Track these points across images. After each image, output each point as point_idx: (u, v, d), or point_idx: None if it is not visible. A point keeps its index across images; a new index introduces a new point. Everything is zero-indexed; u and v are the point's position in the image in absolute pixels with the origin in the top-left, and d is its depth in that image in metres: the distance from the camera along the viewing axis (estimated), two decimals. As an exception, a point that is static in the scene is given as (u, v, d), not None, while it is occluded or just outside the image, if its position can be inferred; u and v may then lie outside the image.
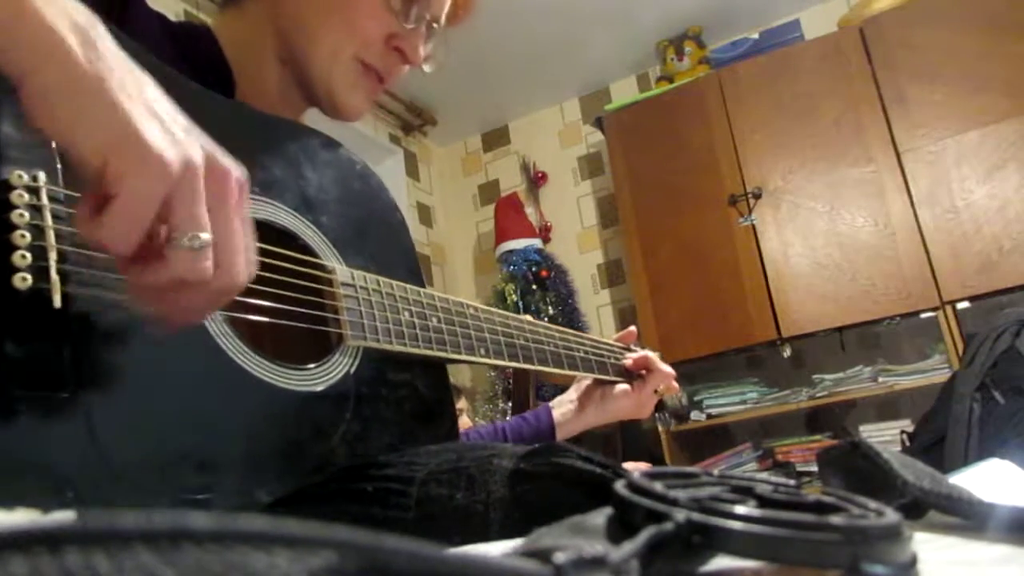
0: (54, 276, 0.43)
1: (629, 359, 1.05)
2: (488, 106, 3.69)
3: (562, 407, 1.05)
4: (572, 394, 1.07)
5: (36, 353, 0.42)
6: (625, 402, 1.03)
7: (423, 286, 0.74)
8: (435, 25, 0.77)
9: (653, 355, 1.06)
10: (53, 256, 0.43)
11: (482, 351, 0.76)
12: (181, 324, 0.46)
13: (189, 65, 0.66)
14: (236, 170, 0.44)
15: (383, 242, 0.74)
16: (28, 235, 0.42)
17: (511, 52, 3.24)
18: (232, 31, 0.76)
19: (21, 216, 0.42)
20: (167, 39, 0.71)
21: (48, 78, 0.38)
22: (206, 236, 0.41)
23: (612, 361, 1.02)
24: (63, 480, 0.42)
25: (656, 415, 1.13)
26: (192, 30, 0.76)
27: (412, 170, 3.68)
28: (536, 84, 3.54)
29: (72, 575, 0.13)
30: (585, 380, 1.05)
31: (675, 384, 1.09)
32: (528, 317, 0.97)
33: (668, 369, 1.07)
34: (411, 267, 0.76)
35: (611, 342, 1.05)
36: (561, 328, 0.93)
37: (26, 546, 0.13)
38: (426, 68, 0.80)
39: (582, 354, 0.95)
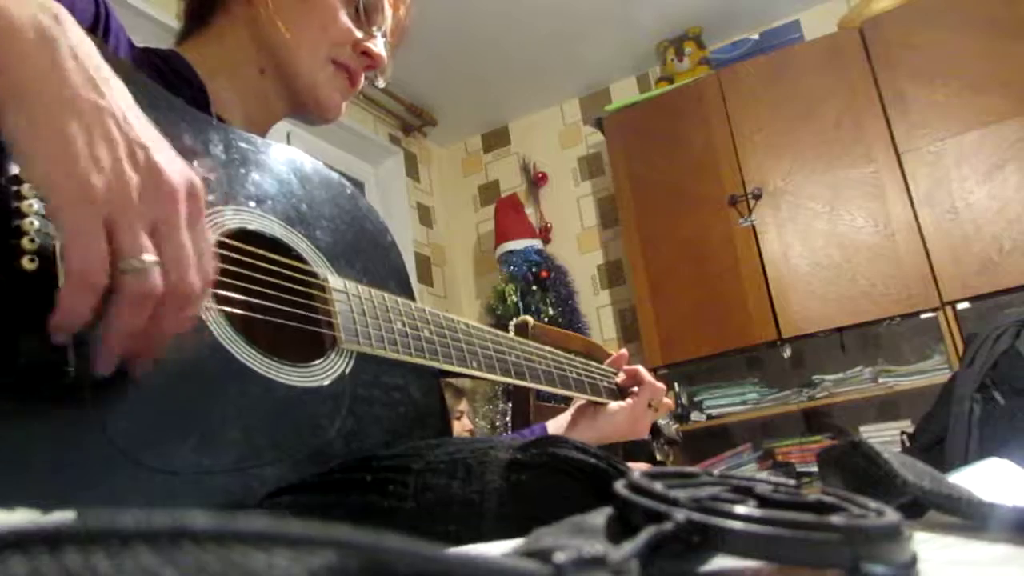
0: (60, 260, 0.45)
1: (621, 375, 1.07)
2: (488, 106, 3.69)
3: (557, 423, 1.08)
4: (568, 412, 1.09)
5: (42, 332, 0.44)
6: (620, 418, 1.04)
7: (414, 302, 0.76)
8: (387, 40, 0.87)
9: (643, 369, 1.08)
10: (59, 243, 0.45)
11: (474, 364, 0.78)
12: (153, 351, 0.47)
13: (168, 87, 0.68)
14: (184, 181, 0.45)
15: (374, 259, 0.76)
16: (37, 222, 0.45)
17: (511, 52, 3.24)
18: (203, 50, 0.81)
19: (30, 206, 0.45)
20: (145, 64, 0.75)
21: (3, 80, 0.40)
22: (148, 258, 0.43)
23: (605, 384, 1.04)
24: (60, 455, 0.43)
25: (653, 444, 1.14)
26: (162, 54, 0.79)
27: (412, 170, 3.68)
28: (536, 84, 3.54)
29: (72, 575, 0.13)
30: (579, 400, 1.07)
31: (667, 400, 1.10)
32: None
33: (659, 383, 1.08)
34: (402, 284, 0.78)
35: (603, 366, 1.07)
36: (553, 350, 0.94)
37: (26, 546, 0.13)
38: (380, 83, 0.90)
39: (574, 375, 0.97)
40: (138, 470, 0.46)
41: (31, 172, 0.41)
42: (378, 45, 0.85)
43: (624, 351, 1.13)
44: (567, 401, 1.11)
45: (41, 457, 0.42)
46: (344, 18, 0.82)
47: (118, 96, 0.44)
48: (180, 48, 0.83)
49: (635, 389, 1.07)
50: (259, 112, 0.84)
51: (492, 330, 0.84)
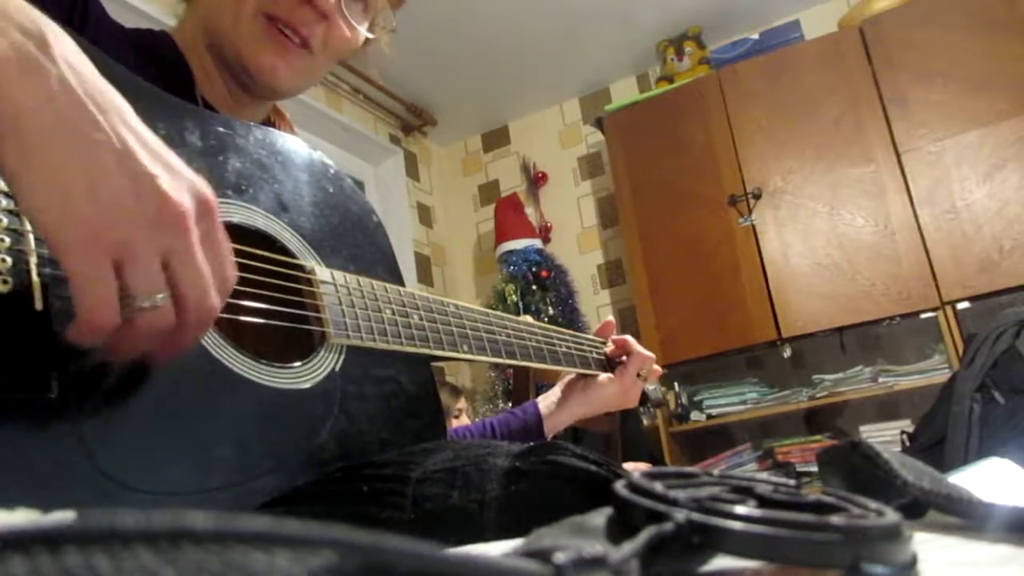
0: (35, 279, 0.43)
1: (610, 345, 1.07)
2: (488, 106, 3.69)
3: (547, 399, 1.07)
4: (557, 388, 1.08)
5: (19, 355, 0.42)
6: (610, 390, 1.04)
7: (403, 286, 0.74)
8: None
9: (631, 339, 1.08)
10: (33, 260, 0.44)
11: (465, 347, 0.77)
12: (165, 359, 0.46)
13: (153, 70, 0.66)
14: (192, 201, 0.42)
15: (360, 243, 0.74)
16: (7, 240, 0.42)
17: (511, 52, 3.23)
18: (180, 34, 0.78)
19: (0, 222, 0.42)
20: (129, 46, 0.71)
21: None
22: (160, 297, 0.41)
23: (594, 355, 1.04)
24: (48, 482, 0.42)
25: (640, 409, 1.14)
26: (151, 35, 0.77)
27: (412, 170, 3.68)
28: (536, 84, 3.54)
29: (72, 575, 0.13)
30: (570, 374, 1.06)
31: (657, 367, 1.10)
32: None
33: (647, 352, 1.07)
34: (390, 267, 0.76)
35: (591, 337, 1.07)
36: (543, 325, 0.94)
37: (26, 546, 0.13)
38: (369, 35, 0.80)
39: (564, 349, 0.96)
40: (134, 496, 0.44)
41: (31, 215, 0.39)
42: None
43: (611, 319, 1.12)
44: None
45: (27, 491, 0.41)
46: None
47: (117, 122, 0.40)
48: (176, 25, 0.80)
49: (624, 359, 1.06)
50: (227, 93, 0.78)
51: (481, 309, 0.83)
